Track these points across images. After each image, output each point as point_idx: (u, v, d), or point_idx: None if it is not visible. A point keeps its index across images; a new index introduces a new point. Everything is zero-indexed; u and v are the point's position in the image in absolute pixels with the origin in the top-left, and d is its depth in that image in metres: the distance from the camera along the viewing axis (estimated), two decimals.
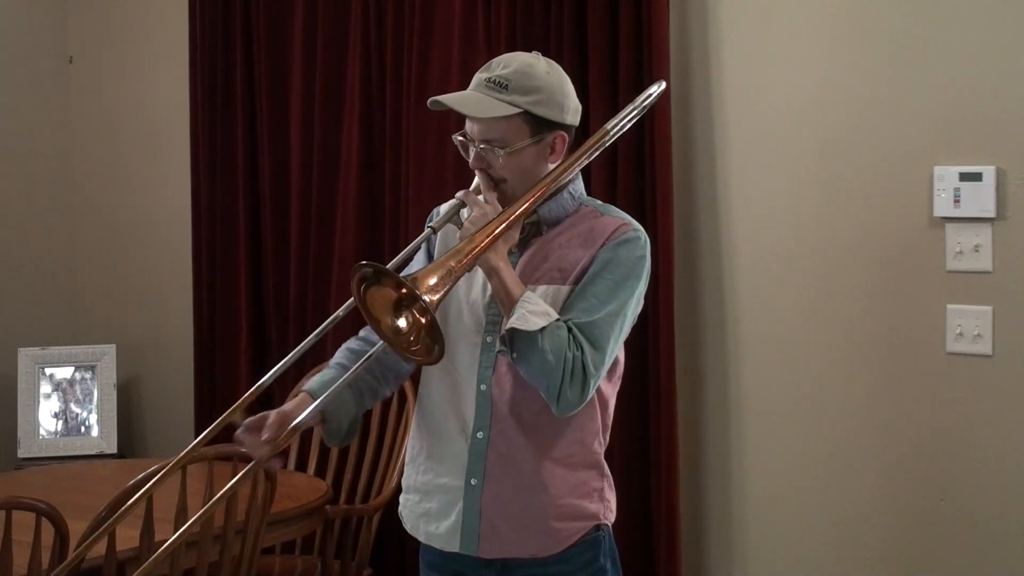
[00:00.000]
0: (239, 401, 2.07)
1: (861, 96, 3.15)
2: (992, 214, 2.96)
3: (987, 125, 2.98)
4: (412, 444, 2.24)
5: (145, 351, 4.76)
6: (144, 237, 4.77)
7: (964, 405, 3.03)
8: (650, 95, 2.35)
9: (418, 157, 3.81)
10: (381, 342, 1.98)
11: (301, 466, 3.86)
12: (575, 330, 2.01)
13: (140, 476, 2.55)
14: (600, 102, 3.34)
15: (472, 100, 2.07)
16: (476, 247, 1.95)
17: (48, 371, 4.55)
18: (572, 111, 2.12)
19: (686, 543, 3.40)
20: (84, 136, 4.91)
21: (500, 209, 2.04)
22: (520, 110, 2.05)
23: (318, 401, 2.08)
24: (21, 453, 4.45)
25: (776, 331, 3.31)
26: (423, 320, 1.87)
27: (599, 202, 2.21)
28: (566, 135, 2.12)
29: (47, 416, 4.53)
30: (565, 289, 2.08)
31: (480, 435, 2.10)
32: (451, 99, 2.08)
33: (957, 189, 2.99)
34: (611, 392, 2.18)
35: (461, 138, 2.11)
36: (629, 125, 2.29)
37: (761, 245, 3.32)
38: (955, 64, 3.01)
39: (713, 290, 3.40)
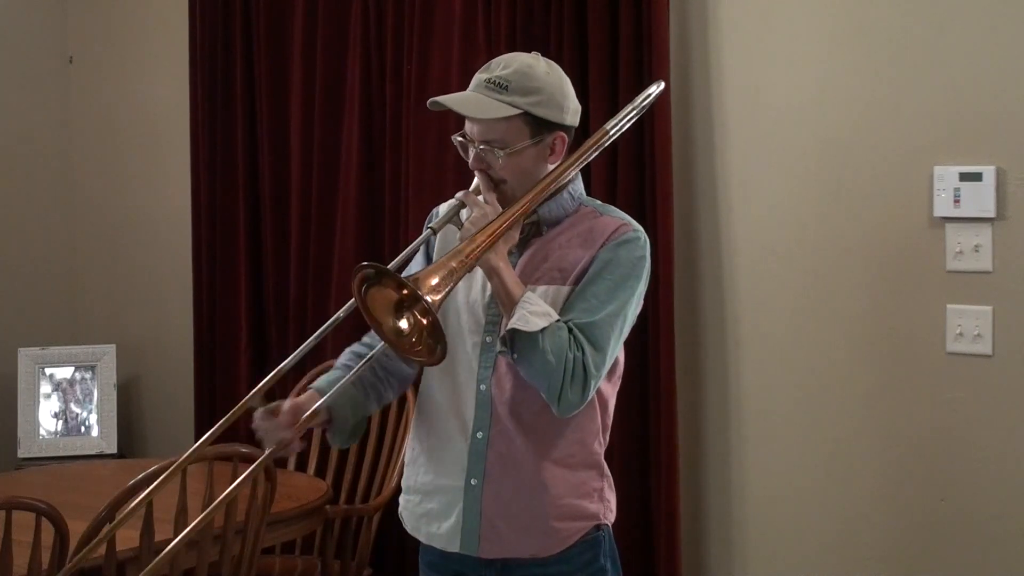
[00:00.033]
0: (257, 387, 2.06)
1: (861, 96, 3.15)
2: (992, 214, 2.96)
3: (987, 125, 2.98)
4: (412, 445, 2.24)
5: (145, 351, 4.76)
6: (144, 237, 4.77)
7: (964, 405, 3.03)
8: (649, 95, 2.34)
9: (418, 157, 3.81)
10: (383, 343, 1.98)
11: (301, 466, 3.86)
12: (576, 331, 2.01)
13: (140, 476, 2.55)
14: (600, 102, 3.34)
15: (472, 101, 2.07)
16: (476, 247, 1.95)
17: (48, 371, 4.55)
18: (572, 112, 2.12)
19: (686, 543, 3.40)
20: (84, 136, 4.91)
21: (500, 210, 2.04)
22: (520, 111, 2.04)
23: (328, 395, 2.09)
24: (21, 453, 4.45)
25: (776, 331, 3.31)
26: (425, 321, 1.87)
27: (599, 202, 2.21)
28: (566, 136, 2.12)
29: (47, 416, 4.53)
30: (565, 289, 2.08)
31: (480, 435, 2.10)
32: (451, 100, 2.08)
33: (957, 189, 2.99)
34: (611, 392, 2.19)
35: (461, 139, 2.11)
36: (629, 125, 2.29)
37: (761, 245, 3.32)
38: (955, 64, 3.01)
39: (713, 290, 3.40)
